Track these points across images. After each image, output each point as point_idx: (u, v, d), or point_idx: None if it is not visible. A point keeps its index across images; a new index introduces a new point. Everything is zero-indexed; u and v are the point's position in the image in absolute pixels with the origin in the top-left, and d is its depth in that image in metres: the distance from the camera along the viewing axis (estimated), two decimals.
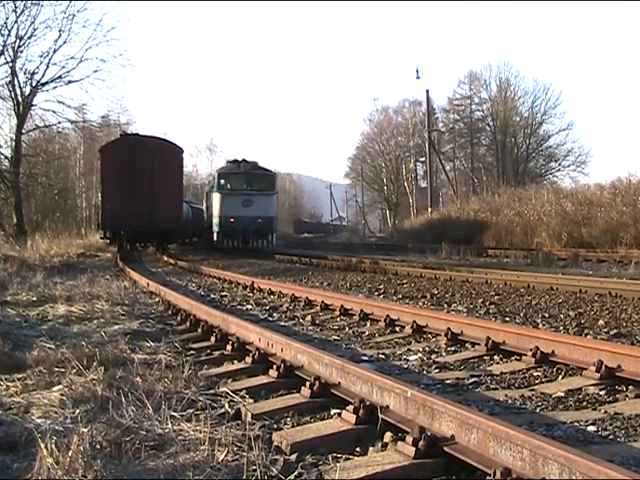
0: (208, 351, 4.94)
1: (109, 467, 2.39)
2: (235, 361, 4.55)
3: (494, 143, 54.57)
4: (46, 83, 29.00)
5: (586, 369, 3.89)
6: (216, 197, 26.78)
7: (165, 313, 7.27)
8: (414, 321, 5.73)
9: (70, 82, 29.05)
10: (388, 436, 2.72)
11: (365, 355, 4.84)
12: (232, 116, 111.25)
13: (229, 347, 4.80)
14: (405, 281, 11.22)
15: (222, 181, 26.73)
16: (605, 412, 3.21)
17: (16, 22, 27.18)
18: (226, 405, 3.38)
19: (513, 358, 4.51)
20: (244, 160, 27.20)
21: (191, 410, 3.22)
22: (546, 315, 6.69)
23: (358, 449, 2.74)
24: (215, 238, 27.11)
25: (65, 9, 28.42)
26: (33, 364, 4.25)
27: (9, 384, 3.83)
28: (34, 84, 28.76)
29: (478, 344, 4.82)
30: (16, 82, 28.60)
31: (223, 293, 10.04)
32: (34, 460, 2.41)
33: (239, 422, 3.12)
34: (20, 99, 28.96)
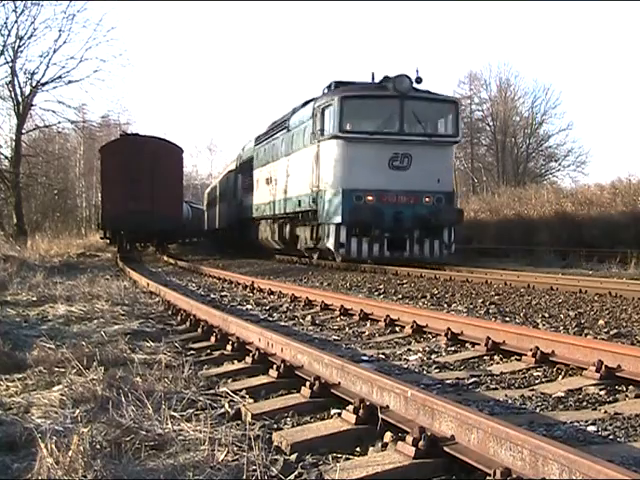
0: (208, 351, 4.94)
1: (109, 467, 2.39)
2: (235, 361, 4.54)
3: (494, 143, 54.54)
4: (46, 83, 29.06)
5: (586, 369, 3.89)
6: (329, 149, 14.52)
7: (165, 313, 7.27)
8: (414, 321, 5.73)
9: (70, 82, 29.11)
10: (388, 436, 2.72)
11: (365, 355, 4.84)
12: (232, 116, 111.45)
13: (229, 347, 4.80)
14: (405, 281, 11.22)
15: (344, 113, 14.25)
16: (605, 412, 3.21)
17: (16, 22, 27.23)
18: (226, 405, 3.38)
19: (513, 358, 4.51)
20: (398, 77, 14.30)
21: (191, 410, 3.22)
22: (546, 315, 6.69)
23: (358, 449, 2.74)
24: (306, 243, 16.20)
25: (65, 9, 28.50)
26: (33, 364, 4.25)
27: (9, 384, 3.82)
28: (34, 84, 28.81)
29: (478, 344, 4.82)
30: (16, 82, 28.66)
31: (223, 293, 10.04)
32: (34, 460, 2.41)
33: (239, 422, 3.12)
34: (20, 99, 28.99)
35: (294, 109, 18.62)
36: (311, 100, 16.81)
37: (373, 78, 15.72)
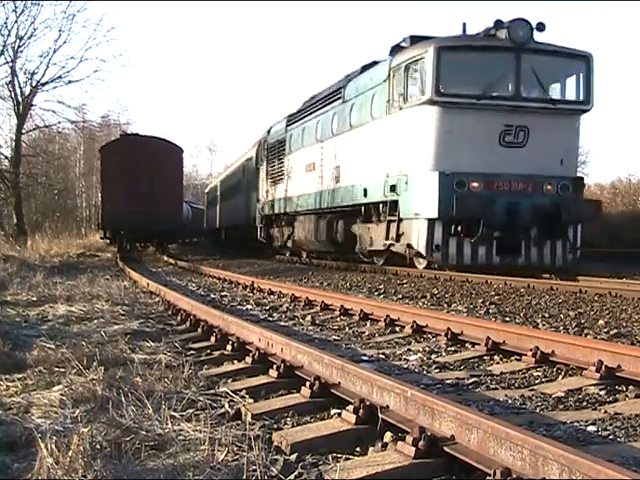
0: (208, 351, 4.94)
1: (109, 467, 2.39)
2: (235, 361, 4.54)
3: None
4: (46, 83, 29.09)
5: (586, 369, 3.89)
6: (417, 119, 11.21)
7: (165, 313, 7.27)
8: (414, 321, 5.73)
9: (70, 82, 29.15)
10: (388, 436, 2.72)
11: (365, 355, 4.84)
12: (232, 116, 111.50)
13: (229, 347, 4.80)
14: (405, 281, 11.22)
15: (441, 70, 10.90)
16: (605, 412, 3.21)
17: (16, 22, 27.27)
18: (226, 405, 3.38)
19: (513, 358, 4.51)
20: (515, 21, 10.82)
21: (191, 410, 3.22)
22: (546, 315, 6.69)
23: (358, 449, 2.74)
24: (371, 244, 13.12)
25: (65, 9, 28.60)
26: (33, 364, 4.25)
27: (9, 384, 3.82)
28: (34, 84, 28.84)
29: (478, 344, 4.82)
30: (16, 82, 28.69)
31: (223, 293, 10.04)
32: (34, 460, 2.41)
33: (239, 422, 3.12)
34: (20, 99, 29.01)
35: (348, 76, 15.14)
36: (374, 63, 13.74)
37: (464, 31, 11.82)
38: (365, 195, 13.18)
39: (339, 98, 15.00)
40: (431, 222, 11.00)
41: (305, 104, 18.51)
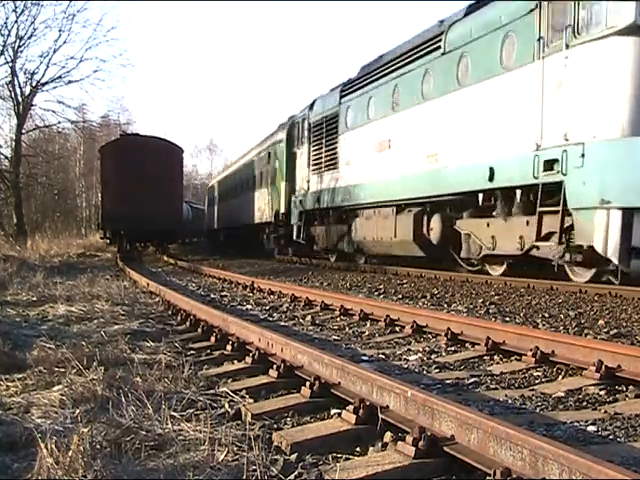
0: (208, 351, 4.94)
1: (109, 467, 2.39)
2: (235, 361, 4.54)
3: None
4: (46, 83, 29.13)
5: (586, 369, 3.89)
6: (599, 59, 8.02)
7: (165, 313, 7.27)
8: (414, 321, 5.73)
9: (70, 82, 29.21)
10: (388, 436, 2.72)
11: (365, 355, 4.84)
12: (232, 116, 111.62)
13: (229, 347, 4.80)
14: (405, 281, 11.22)
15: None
16: (605, 412, 3.21)
17: (16, 22, 27.31)
18: (226, 405, 3.38)
19: (513, 358, 4.51)
20: None
21: (191, 410, 3.22)
22: (546, 315, 6.69)
23: (358, 449, 2.74)
24: (494, 247, 10.17)
25: (65, 9, 28.70)
26: (33, 364, 4.25)
27: (9, 384, 3.82)
28: (34, 84, 28.88)
29: (478, 344, 4.82)
30: (16, 82, 28.74)
31: (223, 293, 10.04)
32: (34, 460, 2.41)
33: (239, 422, 3.12)
34: (20, 99, 29.05)
35: (443, 21, 11.85)
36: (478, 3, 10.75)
37: None
38: (491, 178, 9.84)
39: (435, 49, 11.55)
40: (628, 213, 7.75)
41: (367, 69, 14.72)
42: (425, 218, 12.08)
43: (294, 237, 18.57)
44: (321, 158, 16.58)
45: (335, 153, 15.68)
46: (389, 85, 13.15)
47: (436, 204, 11.73)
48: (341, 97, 15.55)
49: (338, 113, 15.59)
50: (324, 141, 16.35)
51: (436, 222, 11.68)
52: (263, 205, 22.78)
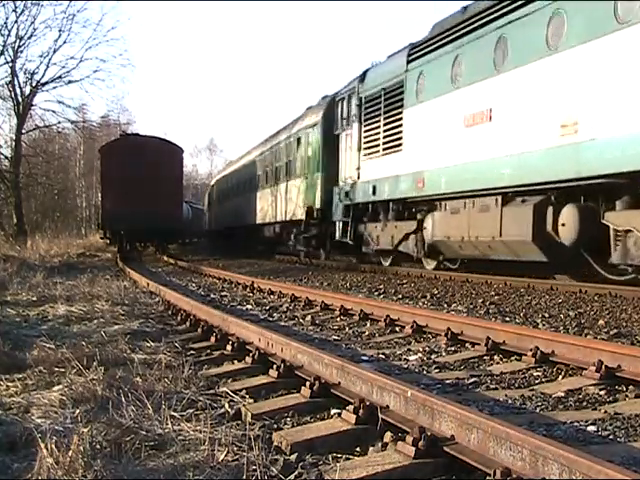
0: (208, 351, 4.94)
1: (109, 467, 2.39)
2: (235, 361, 4.54)
3: None
4: (46, 83, 29.17)
5: (586, 369, 3.89)
6: None
7: (165, 313, 7.27)
8: (414, 321, 5.73)
9: (70, 82, 29.25)
10: (388, 436, 2.72)
11: (365, 355, 4.84)
12: (232, 116, 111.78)
13: (229, 347, 4.80)
14: (405, 281, 11.22)
15: None
16: (605, 412, 3.21)
17: (16, 22, 27.36)
18: (226, 405, 3.38)
19: (513, 358, 4.51)
20: None
21: (191, 410, 3.22)
22: (546, 315, 6.69)
23: (358, 449, 2.74)
24: None
25: (65, 9, 28.77)
26: (33, 364, 4.25)
27: (9, 384, 3.82)
28: (34, 84, 28.92)
29: (478, 344, 4.82)
30: (16, 82, 28.78)
31: (223, 293, 10.04)
32: (34, 460, 2.41)
33: (239, 422, 3.12)
34: (20, 99, 29.08)
35: None
36: None
37: None
38: None
39: None
40: None
41: (448, 23, 11.53)
42: (551, 210, 9.16)
43: (337, 236, 15.74)
44: (378, 139, 13.68)
45: (399, 132, 12.77)
46: (489, 38, 10.04)
47: (568, 191, 8.86)
48: (409, 61, 12.51)
49: (404, 82, 12.61)
50: (382, 118, 13.46)
51: (570, 215, 8.78)
52: (287, 202, 19.68)
